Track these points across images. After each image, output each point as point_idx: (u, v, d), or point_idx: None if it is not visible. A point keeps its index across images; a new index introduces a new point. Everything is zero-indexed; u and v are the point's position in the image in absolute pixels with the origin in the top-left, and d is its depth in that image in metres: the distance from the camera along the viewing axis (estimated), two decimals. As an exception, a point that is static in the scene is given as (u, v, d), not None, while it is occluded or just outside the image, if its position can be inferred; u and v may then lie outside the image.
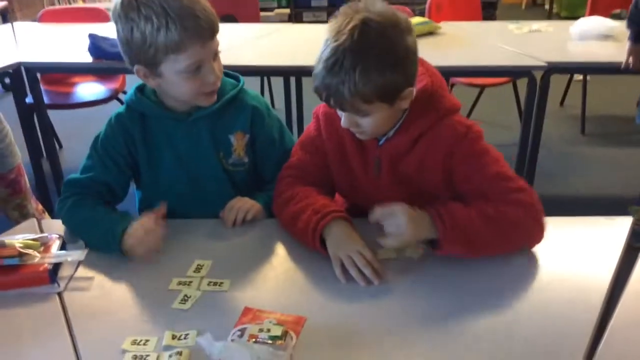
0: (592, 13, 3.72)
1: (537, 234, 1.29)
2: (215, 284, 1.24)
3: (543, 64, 2.61)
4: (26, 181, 2.17)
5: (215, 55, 1.39)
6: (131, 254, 1.31)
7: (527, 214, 1.27)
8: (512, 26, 3.27)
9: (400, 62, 1.22)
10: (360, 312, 1.16)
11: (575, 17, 3.19)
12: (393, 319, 1.14)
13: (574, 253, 1.33)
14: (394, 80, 1.22)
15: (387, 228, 1.24)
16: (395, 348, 1.06)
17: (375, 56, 1.18)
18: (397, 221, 1.22)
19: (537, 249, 1.33)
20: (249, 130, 1.52)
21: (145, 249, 1.31)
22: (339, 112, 1.31)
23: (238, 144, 1.51)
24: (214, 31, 1.34)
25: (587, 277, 1.24)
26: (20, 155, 2.15)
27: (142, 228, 1.32)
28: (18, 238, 1.31)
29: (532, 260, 1.30)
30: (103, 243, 1.34)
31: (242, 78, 1.56)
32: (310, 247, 1.31)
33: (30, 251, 1.27)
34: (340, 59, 1.18)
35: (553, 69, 2.62)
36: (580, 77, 4.07)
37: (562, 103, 4.40)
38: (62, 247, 1.34)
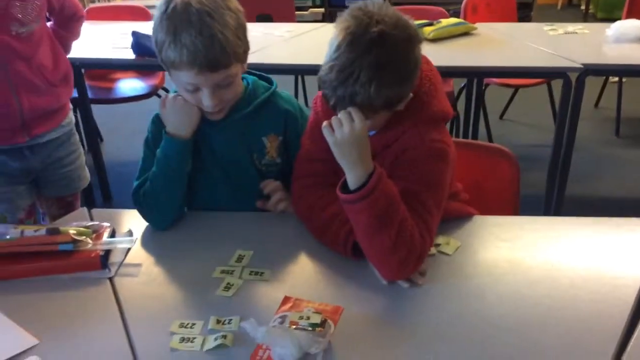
0: (629, 14, 3.69)
1: (398, 268, 1.23)
2: (256, 273, 1.30)
3: (579, 65, 2.61)
4: (78, 205, 2.14)
5: (221, 85, 1.39)
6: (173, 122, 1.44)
7: (412, 246, 1.22)
8: (547, 28, 3.27)
9: (409, 75, 1.26)
10: (395, 304, 1.21)
11: (611, 19, 3.18)
12: (427, 311, 1.19)
13: (606, 252, 1.36)
14: (401, 92, 1.26)
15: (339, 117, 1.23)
16: (430, 339, 1.11)
17: (389, 72, 1.21)
18: (346, 128, 1.20)
19: (570, 248, 1.36)
20: (282, 132, 1.56)
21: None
22: None
23: (271, 146, 1.55)
24: (215, 67, 1.33)
25: (618, 276, 1.27)
26: (89, 178, 2.15)
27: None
28: (72, 226, 1.39)
29: (564, 258, 1.33)
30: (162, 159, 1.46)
31: (275, 81, 1.60)
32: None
33: (83, 238, 1.35)
34: (357, 72, 1.19)
35: (588, 70, 2.62)
36: (616, 78, 4.04)
37: (597, 105, 4.37)
38: (112, 235, 1.41)
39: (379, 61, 1.19)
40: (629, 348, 1.07)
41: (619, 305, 1.18)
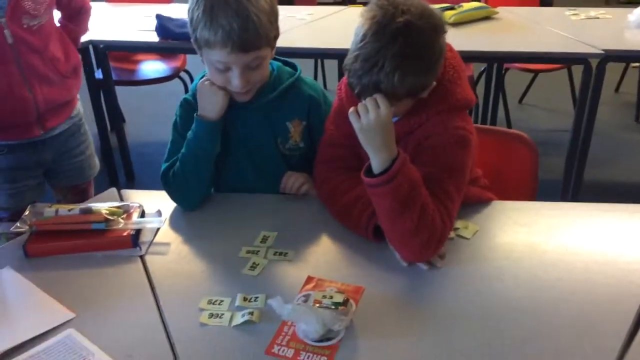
0: (653, -1, 3.67)
1: (419, 250, 1.27)
2: (280, 254, 1.35)
3: (599, 51, 2.61)
4: (92, 191, 2.19)
5: (250, 66, 1.42)
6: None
7: (433, 229, 1.26)
8: (569, 12, 3.26)
9: (433, 65, 1.29)
10: (415, 285, 1.26)
11: (634, 2, 3.15)
12: (446, 292, 1.23)
13: (620, 238, 1.39)
14: (425, 81, 1.30)
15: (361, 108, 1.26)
16: (448, 319, 1.16)
17: (414, 62, 1.24)
18: (372, 114, 1.24)
19: (585, 233, 1.40)
20: (306, 117, 1.60)
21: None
22: None
23: (295, 131, 1.59)
24: (248, 47, 1.37)
25: (631, 261, 1.31)
26: (99, 166, 2.18)
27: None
28: (104, 205, 1.44)
29: (580, 243, 1.37)
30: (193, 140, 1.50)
31: (299, 67, 1.64)
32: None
33: (114, 218, 1.41)
34: (381, 61, 1.22)
35: (609, 57, 2.62)
36: (637, 64, 4.01)
37: (617, 89, 4.35)
38: (142, 215, 1.47)
39: (403, 51, 1.22)
40: (641, 331, 1.11)
41: (632, 290, 1.21)
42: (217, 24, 1.34)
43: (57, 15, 1.98)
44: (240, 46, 1.36)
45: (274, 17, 1.43)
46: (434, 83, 1.32)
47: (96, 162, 2.17)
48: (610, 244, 1.37)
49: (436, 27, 1.27)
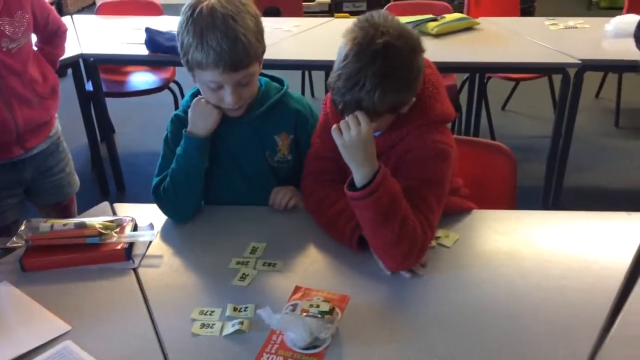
0: (630, 6, 3.76)
1: (406, 258, 1.33)
2: (269, 264, 1.40)
3: (577, 61, 2.69)
4: (74, 207, 2.22)
5: (241, 83, 1.48)
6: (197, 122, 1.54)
7: (414, 240, 1.32)
8: (548, 22, 3.34)
9: (412, 83, 1.35)
10: (398, 293, 1.31)
11: (615, 8, 3.23)
12: (428, 300, 1.29)
13: (594, 245, 1.46)
14: (404, 98, 1.36)
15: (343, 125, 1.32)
16: (430, 325, 1.21)
17: (393, 81, 1.30)
18: (353, 131, 1.30)
19: (562, 240, 1.46)
20: (293, 131, 1.66)
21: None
22: None
23: (283, 144, 1.65)
24: (237, 66, 1.42)
25: (604, 267, 1.37)
26: (78, 183, 2.20)
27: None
28: (97, 220, 1.49)
29: (556, 250, 1.43)
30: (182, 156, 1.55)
31: (286, 82, 1.69)
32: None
33: (108, 231, 1.45)
34: (362, 80, 1.28)
35: (586, 66, 2.70)
36: None
37: (597, 95, 4.45)
38: (134, 228, 1.51)
39: (383, 71, 1.28)
40: (611, 332, 1.17)
41: (606, 295, 1.27)
42: (208, 46, 1.39)
43: (33, 38, 1.99)
44: (232, 66, 1.42)
45: (260, 34, 1.48)
46: (414, 99, 1.38)
47: (76, 179, 2.19)
48: (586, 251, 1.43)
49: (414, 48, 1.33)
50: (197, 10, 1.41)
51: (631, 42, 2.86)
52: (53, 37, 2.07)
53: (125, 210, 1.65)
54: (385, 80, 1.28)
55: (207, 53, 1.40)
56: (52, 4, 3.89)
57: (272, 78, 1.70)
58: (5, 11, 1.74)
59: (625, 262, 1.36)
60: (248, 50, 1.42)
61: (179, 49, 1.48)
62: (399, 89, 1.32)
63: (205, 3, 1.41)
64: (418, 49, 1.34)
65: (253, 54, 1.45)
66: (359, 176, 1.32)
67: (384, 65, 1.28)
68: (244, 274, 1.37)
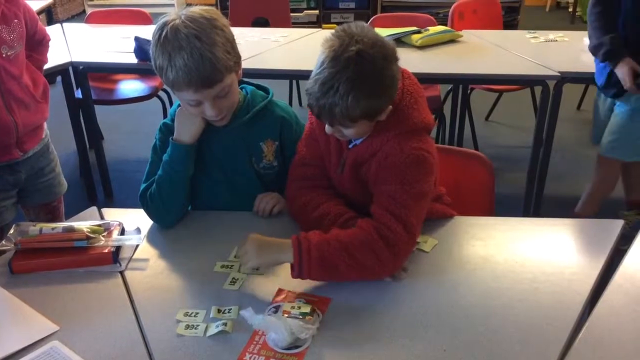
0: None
1: (387, 264, 1.38)
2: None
3: (556, 73, 2.76)
4: (62, 208, 2.28)
5: (219, 96, 1.51)
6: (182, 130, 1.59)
7: (388, 244, 1.36)
8: (529, 35, 3.42)
9: (386, 89, 1.39)
10: (378, 296, 1.35)
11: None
12: (404, 302, 1.33)
13: (566, 251, 1.52)
14: (378, 104, 1.40)
15: (239, 253, 1.42)
16: (407, 325, 1.26)
17: (366, 86, 1.34)
18: (246, 248, 1.39)
19: (535, 246, 1.52)
20: (278, 138, 1.70)
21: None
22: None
23: (268, 150, 1.70)
24: (210, 83, 1.45)
25: (575, 272, 1.42)
26: (66, 184, 2.26)
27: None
28: (85, 224, 1.53)
29: (529, 255, 1.48)
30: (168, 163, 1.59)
31: (271, 91, 1.74)
32: None
33: (96, 235, 1.49)
34: (336, 85, 1.32)
35: (565, 79, 2.77)
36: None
37: (579, 107, 4.54)
38: (122, 232, 1.55)
39: (355, 76, 1.32)
40: (580, 335, 1.23)
41: (576, 298, 1.33)
42: (177, 67, 1.42)
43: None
44: (203, 84, 1.45)
45: (229, 45, 1.49)
46: (390, 107, 1.43)
47: (64, 180, 2.25)
48: (558, 256, 1.49)
49: (387, 56, 1.37)
50: (164, 33, 1.43)
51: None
52: (39, 45, 2.13)
53: (113, 214, 1.69)
54: (358, 86, 1.33)
55: (177, 74, 1.43)
56: (42, 11, 3.90)
57: (258, 87, 1.74)
58: (3, 19, 1.82)
59: (596, 267, 1.43)
60: (216, 65, 1.44)
61: (155, 71, 1.51)
62: (372, 94, 1.36)
63: (170, 25, 1.43)
64: (391, 58, 1.39)
65: (223, 68, 1.46)
66: (288, 260, 1.36)
67: (356, 71, 1.32)
68: (234, 278, 1.41)
